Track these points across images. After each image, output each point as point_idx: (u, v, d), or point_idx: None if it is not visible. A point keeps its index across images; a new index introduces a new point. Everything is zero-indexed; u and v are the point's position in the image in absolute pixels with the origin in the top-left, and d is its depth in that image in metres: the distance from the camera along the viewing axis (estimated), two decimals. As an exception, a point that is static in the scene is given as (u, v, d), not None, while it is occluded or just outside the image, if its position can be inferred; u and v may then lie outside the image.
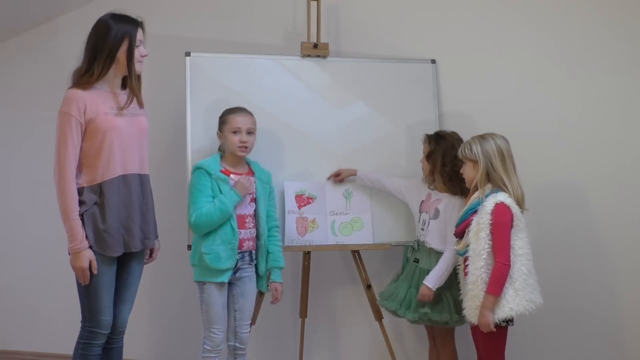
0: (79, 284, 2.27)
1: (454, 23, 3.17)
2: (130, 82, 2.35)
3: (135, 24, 2.33)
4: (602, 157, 2.97)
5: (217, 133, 2.64)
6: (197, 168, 2.55)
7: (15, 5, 3.40)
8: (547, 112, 3.04)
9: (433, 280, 2.61)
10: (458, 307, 2.55)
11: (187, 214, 2.52)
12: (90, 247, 2.22)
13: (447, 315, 2.61)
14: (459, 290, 2.56)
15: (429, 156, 2.72)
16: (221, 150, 2.67)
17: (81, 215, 2.22)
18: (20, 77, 3.73)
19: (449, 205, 2.69)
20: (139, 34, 2.33)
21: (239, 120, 2.58)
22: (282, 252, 2.74)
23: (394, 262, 3.04)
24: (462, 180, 2.54)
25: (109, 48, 2.26)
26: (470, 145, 2.41)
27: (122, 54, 2.28)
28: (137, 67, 2.34)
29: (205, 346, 2.55)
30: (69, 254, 2.24)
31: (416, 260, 2.74)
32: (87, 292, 2.26)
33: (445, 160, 2.66)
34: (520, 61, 3.08)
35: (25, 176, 3.69)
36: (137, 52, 2.32)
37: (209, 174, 2.51)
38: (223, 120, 2.62)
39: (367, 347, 3.26)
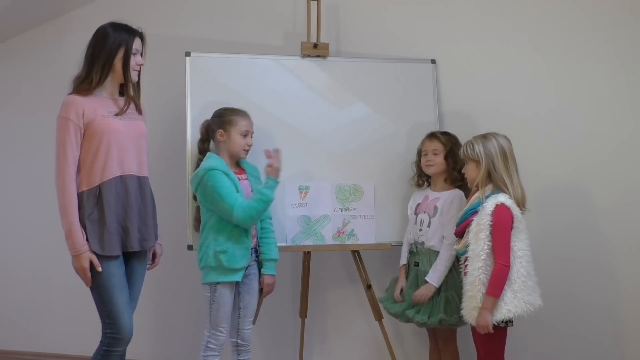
0: (93, 293, 2.29)
1: (454, 23, 3.17)
2: (126, 90, 2.39)
3: (133, 33, 2.37)
4: (603, 156, 2.97)
5: (219, 132, 2.60)
6: (211, 169, 2.48)
7: (15, 5, 3.40)
8: (547, 111, 3.04)
9: (436, 277, 2.60)
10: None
11: (228, 211, 2.44)
12: (96, 253, 2.23)
13: (456, 317, 2.56)
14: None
15: (448, 155, 2.71)
16: (207, 150, 2.66)
17: (84, 223, 2.24)
18: (21, 77, 3.73)
19: (446, 202, 2.70)
20: (136, 43, 2.37)
21: (248, 124, 2.62)
22: (282, 251, 2.75)
23: (394, 262, 3.04)
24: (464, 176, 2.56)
25: (106, 55, 2.31)
26: (472, 145, 2.41)
27: (118, 61, 2.33)
28: (133, 75, 2.38)
29: (209, 345, 2.53)
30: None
31: (416, 264, 2.74)
32: (102, 298, 2.27)
33: (458, 158, 2.65)
34: (520, 61, 3.08)
35: (26, 177, 3.69)
36: (133, 61, 2.36)
37: (226, 174, 2.50)
38: (229, 120, 2.59)
39: (367, 347, 3.26)
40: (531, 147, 2.95)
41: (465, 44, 3.15)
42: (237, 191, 2.50)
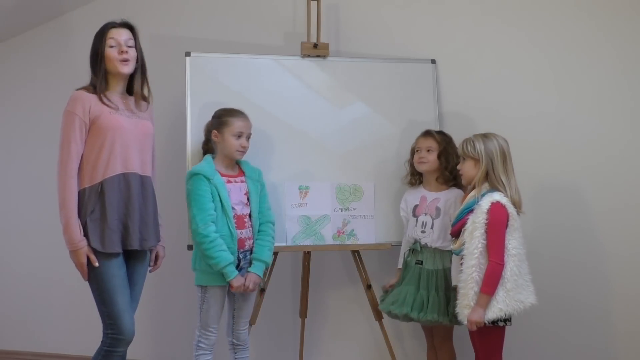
0: (94, 293, 2.29)
1: (454, 23, 3.17)
2: (129, 87, 2.41)
3: (107, 26, 2.34)
4: (601, 157, 2.97)
5: (214, 132, 2.59)
6: (194, 174, 2.50)
7: (16, 5, 3.41)
8: (546, 112, 3.04)
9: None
10: None
11: (192, 219, 2.47)
12: (96, 250, 2.24)
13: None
14: None
15: (441, 153, 2.72)
16: (212, 151, 2.66)
17: (85, 220, 2.24)
18: (22, 77, 3.73)
19: (448, 201, 2.70)
20: (112, 34, 2.32)
21: (242, 125, 2.59)
22: (282, 251, 2.75)
23: (394, 262, 3.04)
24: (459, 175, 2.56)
25: (97, 58, 2.32)
26: (473, 143, 2.41)
27: (105, 59, 2.31)
28: (119, 67, 2.32)
29: (200, 344, 2.55)
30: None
31: (419, 262, 2.73)
32: (103, 299, 2.27)
33: (451, 158, 2.68)
34: (520, 61, 3.08)
35: (26, 177, 3.69)
36: (115, 51, 2.31)
37: (208, 179, 2.49)
38: (223, 121, 2.58)
39: (367, 347, 3.26)
40: (530, 148, 2.95)
41: (465, 44, 3.15)
42: (219, 196, 2.48)
